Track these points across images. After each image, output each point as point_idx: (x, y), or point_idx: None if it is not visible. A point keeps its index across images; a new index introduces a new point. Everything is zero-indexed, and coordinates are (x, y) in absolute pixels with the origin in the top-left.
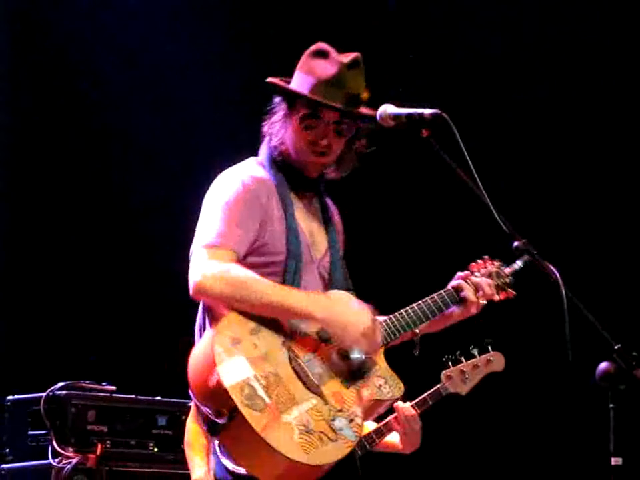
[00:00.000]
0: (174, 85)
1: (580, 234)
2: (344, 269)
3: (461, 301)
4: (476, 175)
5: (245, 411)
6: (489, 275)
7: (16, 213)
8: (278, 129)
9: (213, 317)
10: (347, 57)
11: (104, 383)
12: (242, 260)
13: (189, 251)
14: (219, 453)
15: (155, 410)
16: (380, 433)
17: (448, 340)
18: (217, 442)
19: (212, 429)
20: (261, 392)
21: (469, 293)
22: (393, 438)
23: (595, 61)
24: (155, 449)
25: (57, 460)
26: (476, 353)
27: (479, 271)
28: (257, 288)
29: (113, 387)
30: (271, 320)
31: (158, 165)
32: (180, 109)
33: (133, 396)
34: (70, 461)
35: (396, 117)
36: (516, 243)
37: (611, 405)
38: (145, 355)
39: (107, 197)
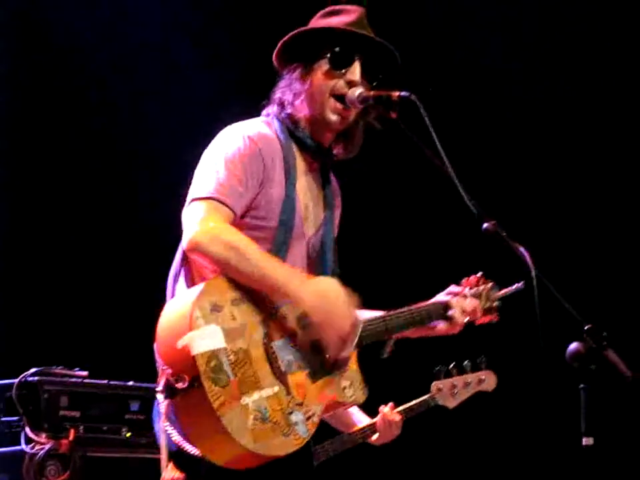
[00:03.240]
0: (174, 85)
1: (554, 218)
2: (335, 251)
3: (446, 319)
4: (444, 156)
5: (206, 383)
6: (478, 296)
7: (15, 212)
8: (294, 93)
9: (195, 274)
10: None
11: (76, 369)
12: (238, 219)
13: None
14: (172, 418)
15: (127, 395)
16: (364, 433)
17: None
18: (170, 405)
19: (168, 391)
20: (227, 367)
21: (456, 313)
22: None
23: (595, 61)
24: (128, 434)
25: (29, 446)
26: (468, 369)
27: (470, 289)
28: (252, 257)
29: (85, 373)
30: (255, 293)
31: (159, 164)
32: (180, 108)
33: (105, 381)
34: (43, 446)
35: (364, 99)
36: (485, 225)
37: (582, 385)
38: (117, 340)
39: (107, 196)
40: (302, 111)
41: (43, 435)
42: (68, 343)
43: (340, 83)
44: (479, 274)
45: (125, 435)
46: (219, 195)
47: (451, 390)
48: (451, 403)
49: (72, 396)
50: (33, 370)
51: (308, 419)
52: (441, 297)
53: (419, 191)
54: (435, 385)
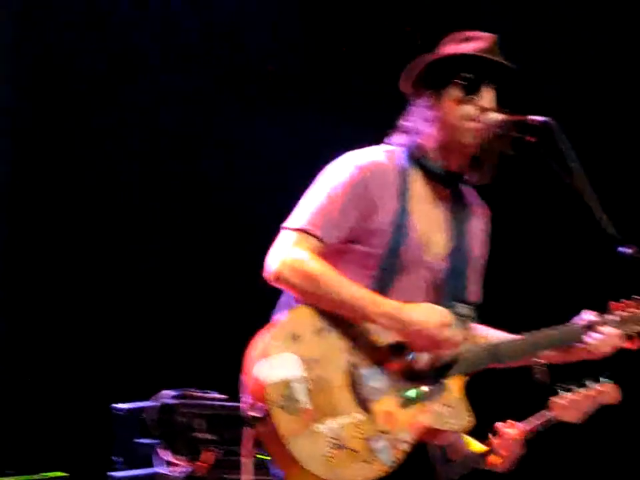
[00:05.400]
0: (174, 84)
1: None
2: (467, 280)
3: (586, 344)
4: (588, 183)
5: (276, 411)
6: (625, 321)
7: (15, 214)
8: (424, 120)
9: (294, 301)
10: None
11: (212, 392)
12: (340, 244)
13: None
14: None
15: None
16: (484, 455)
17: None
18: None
19: (247, 419)
20: (302, 395)
21: (598, 341)
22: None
23: (595, 61)
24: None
25: (168, 469)
26: (589, 384)
27: (621, 312)
28: (328, 283)
29: (223, 396)
30: (343, 322)
31: (159, 164)
32: (180, 108)
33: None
34: (181, 469)
35: (504, 123)
36: (624, 250)
37: None
38: None
39: (106, 197)
40: (432, 138)
41: (181, 458)
42: (202, 364)
43: (473, 109)
44: (637, 297)
45: (263, 457)
46: (310, 227)
47: (574, 405)
48: (576, 418)
49: (209, 419)
50: (171, 393)
51: (394, 446)
52: (580, 320)
53: (554, 218)
54: (556, 401)
